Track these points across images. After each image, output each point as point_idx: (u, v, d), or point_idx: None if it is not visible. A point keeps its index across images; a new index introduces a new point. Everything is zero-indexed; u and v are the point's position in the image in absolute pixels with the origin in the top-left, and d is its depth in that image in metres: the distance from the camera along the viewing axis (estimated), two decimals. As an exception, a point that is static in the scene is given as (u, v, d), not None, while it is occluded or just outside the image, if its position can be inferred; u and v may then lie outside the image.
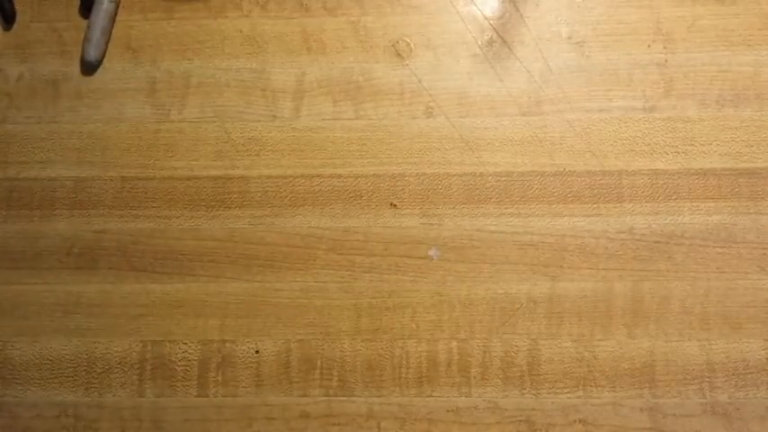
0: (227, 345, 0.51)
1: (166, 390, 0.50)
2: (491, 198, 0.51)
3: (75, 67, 0.54)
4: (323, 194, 0.52)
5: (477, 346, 0.50)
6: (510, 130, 0.52)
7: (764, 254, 0.50)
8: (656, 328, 0.49)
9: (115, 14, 0.55)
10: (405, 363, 0.50)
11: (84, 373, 0.51)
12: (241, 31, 0.54)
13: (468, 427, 0.48)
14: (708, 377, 0.48)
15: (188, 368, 0.50)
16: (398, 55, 0.53)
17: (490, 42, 0.53)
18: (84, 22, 0.54)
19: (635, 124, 0.52)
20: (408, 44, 0.54)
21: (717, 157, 0.51)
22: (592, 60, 0.53)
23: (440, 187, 0.52)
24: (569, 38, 0.53)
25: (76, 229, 0.52)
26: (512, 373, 0.49)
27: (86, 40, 0.54)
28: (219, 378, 0.50)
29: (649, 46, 0.53)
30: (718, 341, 0.49)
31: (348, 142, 0.53)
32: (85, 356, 0.51)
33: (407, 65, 0.53)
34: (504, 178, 0.52)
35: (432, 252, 0.51)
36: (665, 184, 0.51)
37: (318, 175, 0.52)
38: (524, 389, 0.49)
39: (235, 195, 0.52)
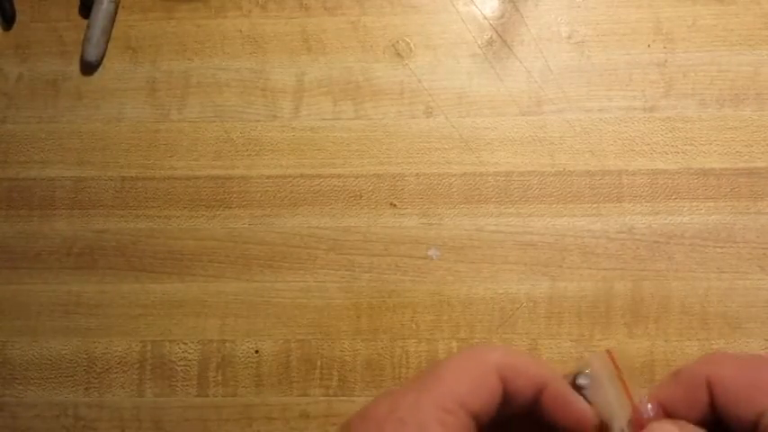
0: (227, 345, 0.51)
1: (166, 390, 0.50)
2: (491, 198, 0.51)
3: (75, 67, 0.54)
4: (323, 194, 0.52)
5: (477, 345, 0.50)
6: (510, 130, 0.52)
7: (764, 254, 0.50)
8: (656, 328, 0.49)
9: (115, 14, 0.55)
10: (405, 362, 0.50)
11: (83, 372, 0.51)
12: (241, 31, 0.54)
13: (468, 426, 0.48)
14: (708, 377, 0.48)
15: (188, 368, 0.50)
16: (398, 55, 0.53)
17: (490, 42, 0.53)
18: (84, 22, 0.54)
19: (635, 124, 0.52)
20: (408, 44, 0.54)
21: (716, 156, 0.51)
22: (592, 60, 0.53)
23: (440, 187, 0.52)
24: (569, 38, 0.53)
25: (76, 229, 0.52)
26: (512, 372, 0.49)
27: (86, 40, 0.54)
28: (219, 378, 0.50)
29: (649, 46, 0.53)
30: (718, 341, 0.49)
31: (348, 142, 0.53)
32: (85, 356, 0.51)
33: (407, 65, 0.53)
34: (503, 178, 0.52)
35: (431, 252, 0.51)
36: (664, 183, 0.51)
37: (318, 175, 0.52)
38: (524, 389, 0.49)
39: (235, 195, 0.52)
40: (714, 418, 0.27)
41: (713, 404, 0.27)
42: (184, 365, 0.50)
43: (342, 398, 0.50)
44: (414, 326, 0.50)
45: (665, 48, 0.53)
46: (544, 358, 0.49)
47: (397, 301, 0.50)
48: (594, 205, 0.51)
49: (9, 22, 0.55)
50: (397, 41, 0.54)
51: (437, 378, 0.26)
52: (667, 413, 0.28)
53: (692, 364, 0.28)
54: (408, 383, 0.27)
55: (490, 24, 0.54)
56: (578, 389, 0.29)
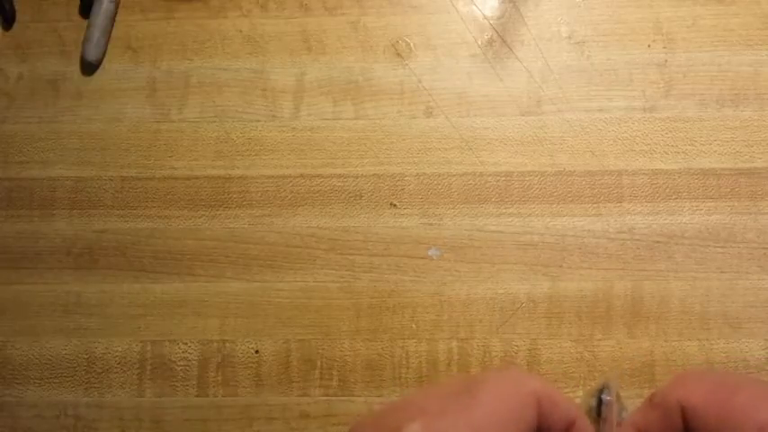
0: (227, 345, 0.51)
1: (166, 390, 0.50)
2: (491, 198, 0.51)
3: (76, 67, 0.54)
4: (323, 194, 0.52)
5: (477, 345, 0.50)
6: (510, 130, 0.52)
7: (765, 253, 0.50)
8: (656, 328, 0.49)
9: (115, 14, 0.55)
10: (405, 363, 0.50)
11: (83, 373, 0.51)
12: (241, 31, 0.54)
13: (468, 427, 0.48)
14: (708, 377, 0.48)
15: (188, 368, 0.50)
16: (398, 55, 0.53)
17: (490, 42, 0.53)
18: (84, 22, 0.54)
19: (635, 124, 0.52)
20: (408, 44, 0.54)
21: (717, 157, 0.51)
22: (592, 60, 0.53)
23: (440, 187, 0.52)
24: (569, 38, 0.53)
25: (76, 229, 0.52)
26: (512, 373, 0.49)
27: (86, 40, 0.54)
28: (219, 378, 0.50)
29: (649, 46, 0.53)
30: (718, 341, 0.49)
31: (348, 142, 0.53)
32: (85, 356, 0.51)
33: (407, 65, 0.53)
34: (504, 178, 0.52)
35: (432, 252, 0.51)
36: (665, 183, 0.51)
37: (318, 175, 0.52)
38: (524, 389, 0.49)
39: (235, 195, 0.52)
40: None
41: (686, 428, 0.27)
42: (184, 365, 0.50)
43: (342, 398, 0.50)
44: (414, 326, 0.50)
45: (665, 48, 0.53)
46: (544, 358, 0.49)
47: (397, 301, 0.50)
48: (594, 205, 0.51)
49: (9, 22, 0.55)
50: (397, 41, 0.54)
51: (475, 400, 0.25)
52: None
53: (666, 387, 0.28)
54: (439, 398, 0.25)
55: (490, 24, 0.54)
56: (601, 403, 0.29)
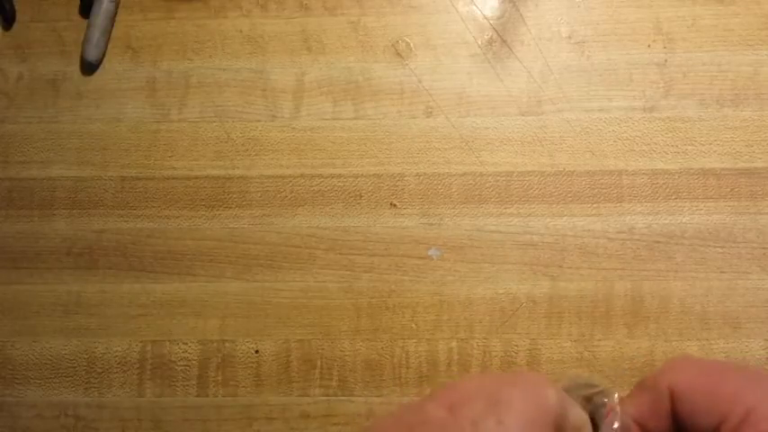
0: (227, 345, 0.51)
1: (166, 390, 0.50)
2: (491, 198, 0.51)
3: (75, 67, 0.54)
4: (323, 194, 0.52)
5: (477, 345, 0.50)
6: (510, 130, 0.52)
7: (765, 253, 0.50)
8: (656, 328, 0.49)
9: (115, 14, 0.55)
10: (405, 362, 0.50)
11: (83, 373, 0.51)
12: (241, 31, 0.54)
13: (468, 427, 0.48)
14: (708, 377, 0.48)
15: (188, 368, 0.50)
16: (398, 55, 0.53)
17: (490, 42, 0.53)
18: (84, 22, 0.54)
19: (635, 124, 0.52)
20: (408, 44, 0.54)
21: (717, 156, 0.51)
22: (592, 60, 0.53)
23: (440, 187, 0.52)
24: (569, 38, 0.53)
25: (76, 229, 0.52)
26: (512, 373, 0.49)
27: (86, 40, 0.54)
28: (219, 378, 0.50)
29: (649, 46, 0.53)
30: (718, 341, 0.49)
31: (348, 142, 0.53)
32: (85, 356, 0.51)
33: (407, 65, 0.53)
34: (504, 178, 0.52)
35: (432, 252, 0.51)
36: (665, 183, 0.51)
37: (318, 175, 0.52)
38: (524, 389, 0.49)
39: (234, 195, 0.52)
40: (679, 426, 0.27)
41: (675, 412, 0.27)
42: (184, 365, 0.50)
43: (342, 398, 0.50)
44: (414, 326, 0.50)
45: (665, 48, 0.53)
46: (544, 358, 0.49)
47: (397, 301, 0.50)
48: (594, 205, 0.51)
49: (9, 22, 0.55)
50: (397, 41, 0.54)
51: (502, 426, 0.24)
52: (639, 424, 0.28)
53: (655, 372, 0.28)
54: (462, 417, 0.25)
55: (490, 24, 0.54)
56: (591, 402, 0.29)
